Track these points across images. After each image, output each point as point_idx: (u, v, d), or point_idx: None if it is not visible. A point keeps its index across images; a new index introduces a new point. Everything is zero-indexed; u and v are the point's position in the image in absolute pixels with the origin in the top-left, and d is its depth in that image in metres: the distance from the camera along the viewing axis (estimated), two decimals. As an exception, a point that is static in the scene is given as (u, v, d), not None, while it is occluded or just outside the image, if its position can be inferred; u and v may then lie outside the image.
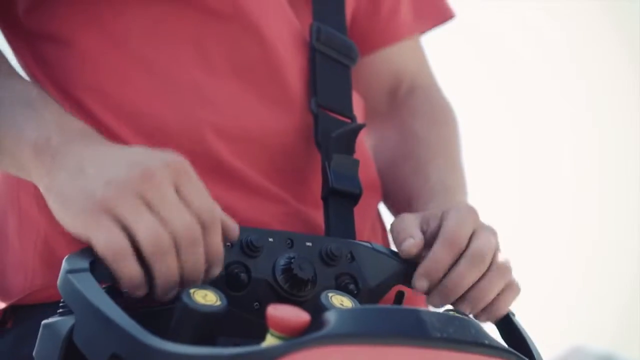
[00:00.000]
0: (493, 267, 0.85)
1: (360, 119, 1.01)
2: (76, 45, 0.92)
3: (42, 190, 0.79)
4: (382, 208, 1.07)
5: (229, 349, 0.66)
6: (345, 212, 0.92)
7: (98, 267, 0.74)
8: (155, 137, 0.89)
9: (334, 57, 1.00)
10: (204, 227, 0.74)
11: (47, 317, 0.74)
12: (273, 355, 0.65)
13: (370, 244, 0.88)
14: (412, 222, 0.88)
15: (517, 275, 0.88)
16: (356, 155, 0.96)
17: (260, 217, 0.90)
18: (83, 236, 0.74)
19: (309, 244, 0.84)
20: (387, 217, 1.06)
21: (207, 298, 0.73)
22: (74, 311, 0.71)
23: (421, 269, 0.84)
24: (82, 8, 0.92)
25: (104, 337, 0.69)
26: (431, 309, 0.85)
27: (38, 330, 0.74)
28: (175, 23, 0.93)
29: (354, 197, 0.93)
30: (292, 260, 0.81)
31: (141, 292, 0.74)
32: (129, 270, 0.72)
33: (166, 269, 0.73)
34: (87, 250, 0.75)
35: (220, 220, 0.76)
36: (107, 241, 0.72)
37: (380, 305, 0.83)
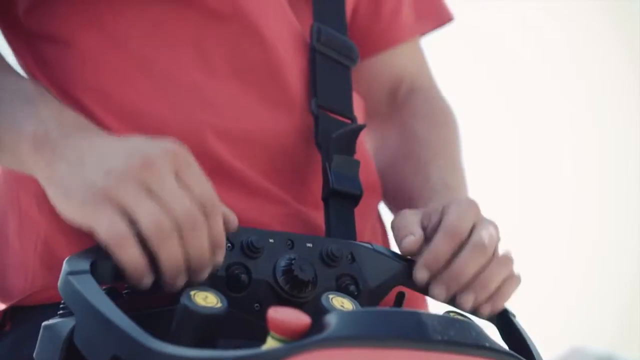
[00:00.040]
0: (495, 257, 0.85)
1: (360, 120, 1.01)
2: (76, 46, 0.92)
3: (42, 183, 0.79)
4: (383, 208, 1.07)
5: (230, 352, 0.66)
6: (345, 213, 0.92)
7: (99, 268, 0.74)
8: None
9: (334, 57, 0.99)
10: (205, 212, 0.75)
11: (47, 319, 0.74)
12: (274, 358, 0.65)
13: (371, 244, 0.88)
14: (412, 219, 0.87)
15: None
16: (356, 156, 0.95)
17: (261, 218, 0.90)
18: (85, 226, 0.74)
19: (309, 245, 0.84)
20: (388, 218, 1.06)
21: (207, 300, 0.73)
22: (75, 313, 0.71)
23: (421, 260, 0.84)
24: (82, 8, 0.92)
25: (104, 339, 0.69)
26: (432, 310, 0.85)
27: (38, 331, 0.74)
28: (175, 24, 0.93)
29: (354, 198, 0.93)
30: (293, 262, 0.81)
31: (146, 281, 0.74)
32: (131, 256, 0.72)
33: (170, 254, 0.73)
34: (87, 251, 0.75)
35: (220, 206, 0.76)
36: (109, 229, 0.72)
37: (381, 308, 0.83)
